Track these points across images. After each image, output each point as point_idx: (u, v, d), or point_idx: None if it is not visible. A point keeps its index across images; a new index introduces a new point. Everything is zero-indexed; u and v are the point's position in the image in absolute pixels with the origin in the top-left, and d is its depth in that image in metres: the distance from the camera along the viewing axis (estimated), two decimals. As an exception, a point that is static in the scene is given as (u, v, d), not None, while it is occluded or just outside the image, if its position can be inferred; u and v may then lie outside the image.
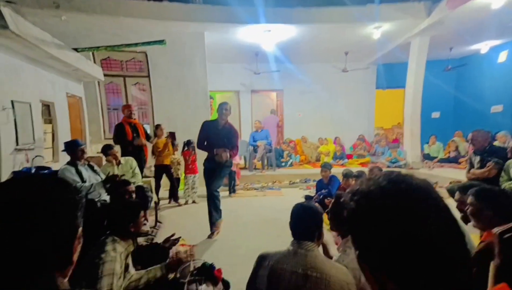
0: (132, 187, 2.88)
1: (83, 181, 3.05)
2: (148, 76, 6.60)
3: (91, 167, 3.34)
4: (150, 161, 5.73)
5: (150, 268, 1.79)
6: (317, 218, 1.42)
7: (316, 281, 1.19)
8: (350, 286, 1.23)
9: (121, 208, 1.82)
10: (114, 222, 1.74)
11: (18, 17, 3.31)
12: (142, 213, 1.83)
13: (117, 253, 1.55)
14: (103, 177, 3.40)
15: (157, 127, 5.27)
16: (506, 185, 3.37)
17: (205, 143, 3.69)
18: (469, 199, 1.68)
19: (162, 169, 5.11)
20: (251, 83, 9.07)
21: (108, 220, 1.77)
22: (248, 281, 1.39)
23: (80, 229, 0.55)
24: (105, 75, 6.04)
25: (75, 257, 0.54)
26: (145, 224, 1.94)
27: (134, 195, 2.82)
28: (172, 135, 5.13)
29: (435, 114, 9.35)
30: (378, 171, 3.56)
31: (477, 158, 3.73)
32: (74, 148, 3.19)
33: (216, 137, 3.60)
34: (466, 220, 1.73)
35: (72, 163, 3.13)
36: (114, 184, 2.89)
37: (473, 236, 1.79)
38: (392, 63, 8.84)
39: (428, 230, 0.46)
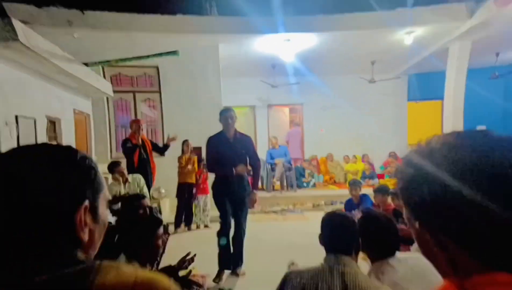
0: (147, 202, 2.74)
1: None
2: (159, 92, 6.69)
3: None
4: (159, 182, 5.65)
5: None
6: (354, 229, 1.35)
7: None
8: None
9: (131, 226, 1.66)
10: (123, 243, 1.55)
11: (29, 30, 3.42)
12: (160, 231, 1.63)
13: None
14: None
15: (184, 142, 5.29)
16: None
17: (218, 161, 3.18)
18: None
19: (184, 188, 5.09)
20: (268, 97, 9.02)
21: (117, 242, 1.58)
22: None
23: (87, 202, 0.53)
24: (114, 91, 6.16)
25: (84, 234, 0.52)
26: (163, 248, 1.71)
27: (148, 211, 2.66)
28: (196, 151, 5.08)
29: (480, 128, 8.84)
30: None
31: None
32: None
33: (231, 152, 3.12)
34: None
35: None
36: (124, 201, 2.76)
37: None
38: (426, 73, 8.54)
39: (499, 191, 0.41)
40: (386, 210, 3.58)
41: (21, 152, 0.54)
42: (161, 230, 1.65)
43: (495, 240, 0.41)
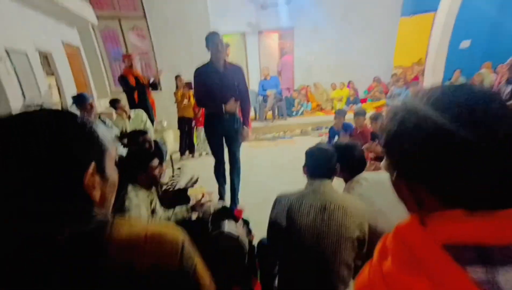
0: (149, 136, 2.94)
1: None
2: (145, 17, 6.25)
3: (103, 122, 3.42)
4: (161, 115, 5.81)
5: (176, 210, 1.96)
6: (331, 158, 1.48)
7: (334, 211, 1.30)
8: (364, 213, 1.35)
9: (128, 157, 1.87)
10: (124, 172, 1.79)
11: None
12: (155, 163, 1.83)
13: (139, 200, 1.67)
14: (116, 131, 3.50)
15: (177, 78, 5.23)
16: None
17: (207, 96, 2.75)
18: None
19: (183, 121, 5.24)
20: (258, 21, 8.48)
21: (120, 170, 1.83)
22: (269, 222, 1.50)
23: (93, 164, 0.53)
24: (97, 16, 5.71)
25: (96, 194, 0.53)
26: (161, 177, 1.94)
27: (152, 144, 2.88)
28: (189, 85, 5.09)
29: (465, 44, 8.35)
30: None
31: (509, 88, 3.57)
32: (82, 103, 3.24)
33: (222, 86, 2.70)
34: None
35: None
36: (130, 137, 2.96)
37: None
38: None
39: (490, 141, 0.42)
40: (364, 132, 3.91)
41: (23, 119, 0.51)
42: (155, 162, 1.83)
43: (459, 185, 0.44)
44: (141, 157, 1.86)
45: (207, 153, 5.46)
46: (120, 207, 1.63)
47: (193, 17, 6.23)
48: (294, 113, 8.00)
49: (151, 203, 1.86)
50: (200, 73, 2.72)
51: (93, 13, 5.50)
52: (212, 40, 2.58)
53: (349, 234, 1.27)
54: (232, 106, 2.75)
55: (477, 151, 0.42)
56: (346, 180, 1.72)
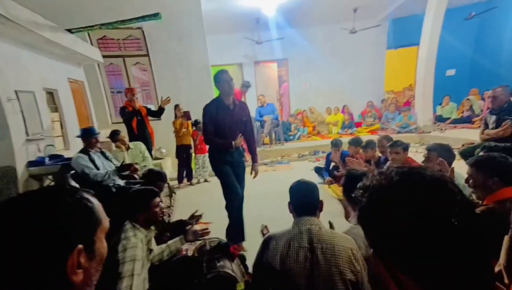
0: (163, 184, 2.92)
1: (97, 168, 3.16)
2: (147, 55, 6.50)
3: (103, 154, 3.43)
4: (160, 143, 5.86)
5: (170, 242, 1.93)
6: (316, 192, 1.47)
7: (322, 251, 1.27)
8: (354, 252, 1.31)
9: (130, 197, 1.83)
10: (125, 211, 1.75)
11: (7, 0, 3.22)
12: (156, 201, 1.80)
13: (137, 239, 1.63)
14: (116, 163, 3.51)
15: (176, 107, 5.30)
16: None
17: (217, 132, 2.65)
18: (469, 170, 1.63)
19: (182, 149, 5.26)
20: (254, 54, 8.83)
21: (121, 208, 1.81)
22: (255, 262, 1.45)
23: (79, 246, 0.51)
24: (103, 56, 5.97)
25: (77, 276, 0.50)
26: (162, 215, 1.90)
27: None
28: (186, 115, 5.17)
29: (450, 72, 8.82)
30: (386, 141, 3.53)
31: (493, 118, 3.65)
32: (89, 136, 3.28)
33: (231, 122, 2.64)
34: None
35: (85, 151, 3.23)
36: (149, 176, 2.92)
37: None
38: (406, 17, 8.26)
39: (444, 225, 0.45)
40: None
41: (15, 203, 0.50)
42: (156, 200, 1.80)
43: (434, 270, 0.45)
44: (145, 196, 1.82)
45: (205, 180, 5.45)
46: (116, 246, 1.59)
47: (192, 52, 6.48)
48: (291, 138, 8.06)
49: (148, 242, 1.83)
50: (211, 109, 2.62)
51: (99, 53, 5.72)
52: (224, 77, 2.57)
53: (341, 275, 1.23)
54: (240, 142, 2.73)
55: (432, 236, 0.44)
56: (354, 210, 1.67)
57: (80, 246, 0.51)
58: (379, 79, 9.33)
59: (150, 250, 1.78)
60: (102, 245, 0.58)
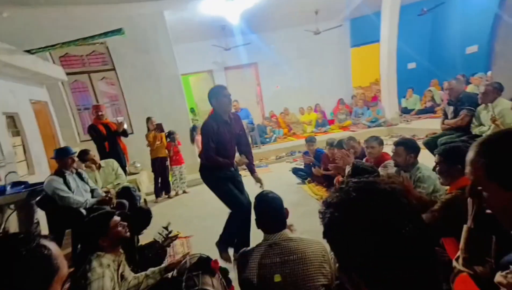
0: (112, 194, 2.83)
1: (71, 191, 2.99)
2: (114, 69, 6.28)
3: (79, 175, 3.26)
4: (134, 157, 5.66)
5: (149, 272, 1.84)
6: (280, 206, 1.47)
7: (294, 263, 1.28)
8: (324, 254, 1.33)
9: (87, 225, 1.72)
10: (84, 240, 1.66)
11: None
12: (115, 220, 1.71)
13: (103, 268, 1.54)
14: (92, 185, 3.34)
15: (148, 120, 5.13)
16: (476, 130, 3.57)
17: (219, 150, 2.51)
18: (437, 158, 1.76)
19: (157, 162, 5.09)
20: (223, 60, 8.81)
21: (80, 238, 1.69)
22: (239, 282, 1.45)
23: (56, 275, 0.53)
24: (67, 73, 5.69)
25: None
26: (126, 232, 1.80)
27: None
28: (159, 127, 5.04)
29: (411, 65, 9.22)
30: (353, 142, 3.64)
31: (451, 108, 3.88)
32: (63, 157, 3.10)
33: (231, 137, 2.56)
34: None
35: (60, 172, 3.04)
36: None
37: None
38: (364, 16, 8.54)
39: (396, 237, 0.48)
40: (334, 158, 4.00)
41: None
42: (115, 219, 1.70)
43: (389, 279, 0.49)
44: (99, 220, 1.71)
45: (184, 192, 5.33)
46: (82, 279, 1.50)
47: (161, 63, 6.34)
48: (267, 140, 8.09)
49: (118, 267, 1.73)
50: (212, 126, 2.45)
51: (63, 72, 5.45)
52: (223, 93, 2.46)
53: (313, 281, 1.24)
54: (243, 161, 2.65)
55: (385, 247, 0.48)
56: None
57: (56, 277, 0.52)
58: (347, 76, 9.64)
59: (122, 276, 1.69)
60: None
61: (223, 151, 2.51)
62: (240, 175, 2.76)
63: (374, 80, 9.75)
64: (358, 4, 7.58)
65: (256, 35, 8.24)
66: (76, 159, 3.34)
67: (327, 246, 1.36)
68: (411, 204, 0.53)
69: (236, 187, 2.62)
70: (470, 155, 0.76)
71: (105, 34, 4.60)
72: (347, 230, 0.52)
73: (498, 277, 0.73)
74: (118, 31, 4.47)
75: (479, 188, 0.75)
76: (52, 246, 0.56)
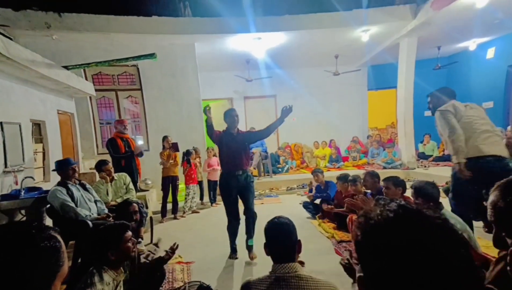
0: (135, 207, 2.81)
1: (74, 201, 2.95)
2: (141, 89, 6.54)
3: (83, 186, 3.24)
4: (147, 174, 5.66)
5: None
6: (293, 234, 1.37)
7: None
8: None
9: (100, 233, 1.65)
10: (95, 250, 1.57)
11: (8, 40, 3.28)
12: (128, 234, 1.64)
13: (104, 285, 1.45)
14: (95, 195, 3.31)
15: (164, 139, 5.14)
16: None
17: (226, 154, 3.23)
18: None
19: (168, 181, 5.01)
20: (244, 90, 9.04)
21: (89, 249, 1.62)
22: None
23: (60, 270, 0.52)
24: (96, 90, 5.97)
25: None
26: (139, 242, 1.74)
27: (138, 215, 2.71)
28: (174, 146, 5.04)
29: (427, 113, 9.28)
30: (370, 177, 3.50)
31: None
32: (64, 168, 3.11)
33: (236, 146, 3.19)
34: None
35: (63, 183, 3.04)
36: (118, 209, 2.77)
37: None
38: (382, 64, 8.88)
39: (438, 266, 0.45)
40: (347, 195, 3.85)
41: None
42: (128, 233, 1.64)
43: None
44: (115, 230, 1.64)
45: (193, 211, 5.19)
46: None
47: (185, 87, 6.57)
48: (280, 170, 7.97)
49: (117, 287, 1.61)
50: (222, 136, 3.26)
51: (93, 88, 5.72)
52: (231, 114, 3.25)
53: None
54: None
55: (425, 270, 0.45)
56: None
57: (61, 269, 0.52)
58: (363, 116, 9.66)
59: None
60: None
61: (231, 158, 3.17)
62: (252, 188, 3.28)
63: (390, 123, 9.67)
64: (376, 53, 7.81)
65: (278, 70, 8.50)
66: (83, 170, 3.35)
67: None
68: (458, 234, 0.50)
69: (241, 193, 3.22)
70: None
71: (139, 57, 4.84)
72: (378, 252, 0.50)
73: None
74: (151, 55, 4.70)
75: None
76: (60, 239, 0.55)
